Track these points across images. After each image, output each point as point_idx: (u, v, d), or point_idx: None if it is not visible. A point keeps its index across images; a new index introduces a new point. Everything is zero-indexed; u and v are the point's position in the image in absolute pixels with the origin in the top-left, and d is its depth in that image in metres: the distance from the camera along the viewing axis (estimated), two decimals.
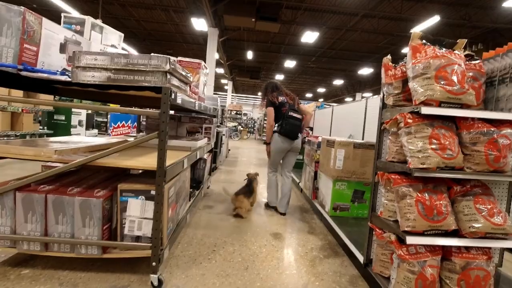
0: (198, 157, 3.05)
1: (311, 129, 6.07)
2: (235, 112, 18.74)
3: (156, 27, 13.25)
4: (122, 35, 2.95)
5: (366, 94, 19.92)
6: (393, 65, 1.87)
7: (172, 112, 4.31)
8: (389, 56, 1.91)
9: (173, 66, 1.84)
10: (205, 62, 3.29)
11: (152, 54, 2.02)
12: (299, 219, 3.51)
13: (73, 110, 5.72)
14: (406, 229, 1.58)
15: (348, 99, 23.21)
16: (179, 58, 3.16)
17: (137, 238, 1.91)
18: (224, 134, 6.93)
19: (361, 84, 20.19)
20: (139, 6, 11.19)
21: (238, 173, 6.30)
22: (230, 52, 15.73)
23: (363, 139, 3.52)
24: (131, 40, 14.86)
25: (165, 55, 1.83)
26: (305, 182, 4.33)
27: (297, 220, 3.46)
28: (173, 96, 1.85)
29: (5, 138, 4.58)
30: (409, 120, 1.60)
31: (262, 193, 4.66)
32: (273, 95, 3.59)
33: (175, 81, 2.00)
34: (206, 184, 4.32)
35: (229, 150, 9.65)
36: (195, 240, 2.67)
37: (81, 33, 2.45)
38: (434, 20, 9.19)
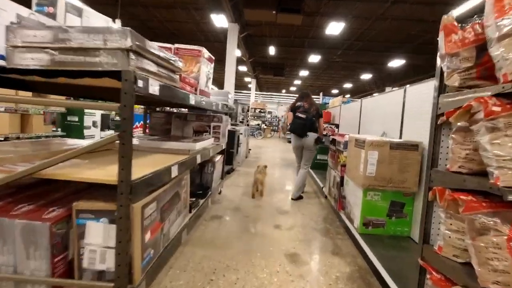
0: (199, 160, 2.55)
1: (337, 126, 5.38)
2: (258, 110, 18.21)
3: (178, 27, 13.04)
4: (110, 19, 2.50)
5: (377, 93, 18.51)
6: (459, 25, 1.22)
7: (188, 109, 3.83)
8: (452, 13, 1.26)
9: (139, 43, 1.33)
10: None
11: (109, 26, 1.53)
12: (322, 234, 2.90)
13: (86, 110, 5.48)
14: (491, 287, 0.95)
15: (376, 94, 21.82)
16: (176, 45, 2.67)
17: (101, 273, 1.43)
18: (241, 133, 6.42)
19: (391, 78, 18.82)
20: (160, 6, 10.99)
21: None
22: (252, 49, 15.22)
23: (400, 137, 2.83)
24: (156, 41, 14.78)
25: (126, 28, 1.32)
26: (329, 188, 3.70)
27: (319, 235, 2.86)
28: (140, 84, 1.33)
29: (14, 141, 4.37)
30: (495, 108, 0.97)
31: (279, 194, 4.09)
32: (294, 102, 4.28)
33: (148, 65, 1.49)
34: (217, 189, 3.82)
35: (250, 150, 9.14)
36: (191, 264, 2.17)
37: (54, 16, 2.02)
38: (475, 1, 8.05)
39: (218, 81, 11.50)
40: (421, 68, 15.70)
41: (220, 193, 4.14)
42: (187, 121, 3.51)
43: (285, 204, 3.94)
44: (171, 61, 1.78)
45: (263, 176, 4.33)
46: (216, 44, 14.87)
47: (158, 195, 1.73)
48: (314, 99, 4.48)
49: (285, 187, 4.95)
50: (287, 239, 2.73)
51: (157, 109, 4.08)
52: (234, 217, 3.28)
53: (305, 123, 3.93)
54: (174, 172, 1.93)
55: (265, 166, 4.38)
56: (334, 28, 10.68)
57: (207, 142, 2.91)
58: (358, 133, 4.16)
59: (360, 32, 12.09)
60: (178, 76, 1.96)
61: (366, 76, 18.96)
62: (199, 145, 2.58)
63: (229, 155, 5.74)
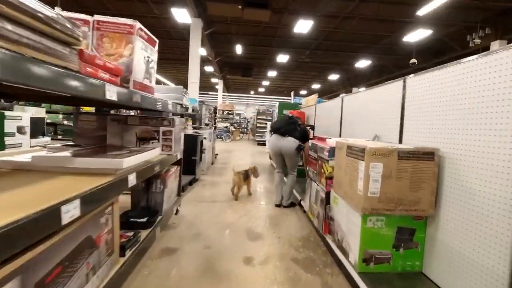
0: (134, 181, 1.75)
1: (312, 127, 4.79)
2: (226, 112, 17.40)
3: (140, 22, 11.85)
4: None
5: (363, 89, 18.68)
6: None
7: (139, 112, 2.99)
8: None
9: None
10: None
11: None
12: (306, 268, 2.22)
13: (7, 113, 4.37)
14: None
15: (362, 89, 21.94)
16: (96, 17, 1.85)
17: None
18: (205, 138, 5.62)
19: (357, 78, 18.95)
20: None
21: (226, 186, 4.99)
22: (218, 48, 14.40)
23: (400, 142, 2.23)
24: None
25: None
26: (310, 203, 3.04)
27: (302, 272, 2.17)
28: None
29: None
30: None
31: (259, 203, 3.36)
32: None
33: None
34: (172, 210, 3.01)
35: (217, 155, 8.32)
36: None
37: None
38: (440, 1, 7.98)
39: (184, 82, 10.57)
40: (386, 68, 15.88)
41: (177, 212, 3.32)
42: (127, 125, 2.67)
43: (258, 221, 3.22)
44: (60, 24, 0.98)
45: (239, 179, 4.22)
46: (179, 42, 13.85)
47: (31, 261, 0.93)
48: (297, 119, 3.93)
49: (257, 195, 4.24)
50: (261, 282, 2.01)
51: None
52: (192, 250, 2.49)
53: (288, 120, 3.75)
54: (73, 212, 1.13)
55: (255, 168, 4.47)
56: (302, 26, 10.23)
57: (149, 154, 2.11)
58: (340, 136, 3.56)
59: (328, 32, 11.78)
60: (76, 53, 1.16)
61: (334, 77, 18.94)
62: (133, 160, 1.77)
63: (190, 163, 4.92)
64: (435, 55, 12.45)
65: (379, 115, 2.59)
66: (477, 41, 9.42)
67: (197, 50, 10.13)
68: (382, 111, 2.52)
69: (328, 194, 2.44)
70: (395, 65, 15.16)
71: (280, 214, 3.58)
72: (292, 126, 3.70)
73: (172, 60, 17.58)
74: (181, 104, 2.98)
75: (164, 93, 2.82)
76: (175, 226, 3.00)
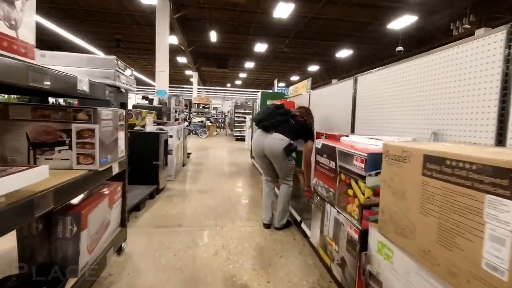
0: None
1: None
2: (202, 105, 16.06)
3: (93, 3, 10.19)
4: None
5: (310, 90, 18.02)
6: None
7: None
8: None
9: None
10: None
11: None
12: None
13: None
14: None
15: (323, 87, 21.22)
16: None
17: None
18: (171, 136, 4.42)
19: (337, 70, 18.24)
20: None
21: (199, 197, 3.84)
22: (191, 36, 12.98)
23: (501, 143, 1.23)
24: (68, 22, 11.63)
25: None
26: (322, 236, 1.98)
27: None
28: None
29: None
30: None
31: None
32: None
33: None
34: (110, 253, 1.85)
35: (190, 154, 7.11)
36: None
37: None
38: None
39: (153, 74, 9.16)
40: (366, 58, 15.22)
41: (120, 252, 2.16)
42: (9, 120, 1.48)
43: (242, 258, 2.15)
44: None
45: None
46: (146, 28, 12.27)
47: None
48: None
49: (238, 211, 3.17)
50: None
51: None
52: None
53: (274, 110, 2.74)
54: None
55: None
56: (283, 10, 9.15)
57: (16, 181, 0.94)
58: (352, 132, 2.54)
59: (309, 19, 10.78)
60: None
61: (313, 68, 18.11)
62: None
63: (151, 170, 3.73)
64: (418, 44, 11.86)
65: (440, 101, 1.58)
66: (467, 26, 8.78)
67: (166, 36, 8.78)
68: (449, 96, 1.51)
69: (364, 234, 1.40)
70: (376, 55, 14.53)
71: (272, 243, 2.52)
72: (281, 117, 2.67)
73: (141, 50, 15.89)
74: (114, 86, 1.81)
75: (80, 66, 1.66)
76: (111, 281, 1.85)
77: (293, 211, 2.81)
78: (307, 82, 4.14)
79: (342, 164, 1.62)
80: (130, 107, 4.92)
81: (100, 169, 1.62)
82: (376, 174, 1.38)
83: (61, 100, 9.28)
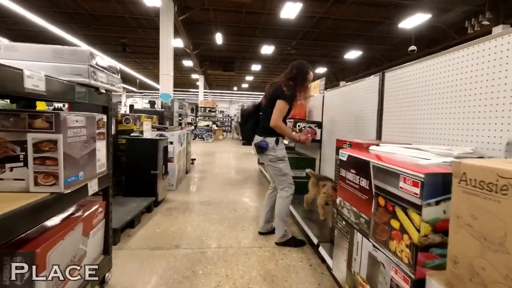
0: None
1: (318, 125, 3.35)
2: (208, 109, 15.76)
3: (98, 7, 9.99)
4: None
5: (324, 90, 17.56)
6: None
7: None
8: None
9: None
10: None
11: None
12: None
13: None
14: None
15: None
16: None
17: None
18: (172, 142, 4.05)
19: (344, 72, 17.77)
20: None
21: (202, 209, 3.46)
22: (197, 38, 12.72)
23: None
24: (73, 27, 11.48)
25: None
26: (351, 273, 1.56)
27: None
28: None
29: None
30: None
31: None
32: None
33: None
34: None
35: (194, 160, 6.75)
36: None
37: None
38: None
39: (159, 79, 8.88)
40: (375, 60, 14.73)
41: (103, 284, 1.78)
42: None
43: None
44: None
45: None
46: (152, 32, 12.06)
47: None
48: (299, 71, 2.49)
49: (245, 228, 2.76)
50: None
51: None
52: None
53: (250, 115, 2.64)
54: None
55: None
56: (290, 10, 8.79)
57: None
58: (378, 138, 2.13)
59: (317, 19, 10.40)
60: None
61: (320, 70, 17.67)
62: None
63: (148, 181, 3.37)
64: (429, 44, 11.34)
65: None
66: (485, 22, 8.26)
67: (169, 37, 8.49)
68: None
69: (419, 286, 0.99)
70: (385, 56, 14.03)
71: (285, 271, 2.10)
72: (255, 115, 2.61)
73: (147, 54, 15.72)
74: (89, 86, 1.44)
75: (45, 60, 1.30)
76: None
77: (308, 231, 2.40)
78: (320, 82, 3.74)
79: (379, 184, 1.22)
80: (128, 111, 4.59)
81: (67, 191, 1.25)
82: (437, 203, 0.97)
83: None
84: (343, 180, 1.58)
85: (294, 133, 2.55)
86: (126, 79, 20.85)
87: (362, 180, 1.37)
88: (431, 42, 11.24)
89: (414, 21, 9.23)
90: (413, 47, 9.74)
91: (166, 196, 3.83)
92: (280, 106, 2.33)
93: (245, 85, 25.42)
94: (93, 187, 1.53)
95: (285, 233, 2.48)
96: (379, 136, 2.11)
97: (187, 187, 4.52)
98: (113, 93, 1.84)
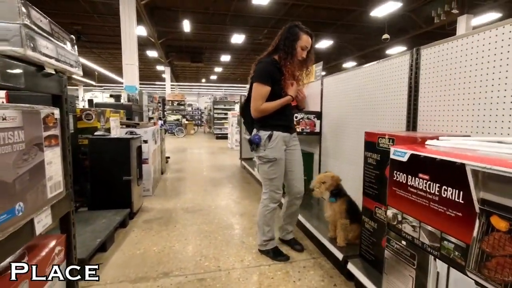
0: None
1: (317, 116, 2.96)
2: (177, 102, 14.83)
3: None
4: None
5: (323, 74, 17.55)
6: None
7: None
8: None
9: None
10: None
11: None
12: None
13: None
14: None
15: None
16: None
17: None
18: (146, 141, 3.44)
19: (315, 62, 17.69)
20: None
21: (187, 218, 2.93)
22: (162, 26, 11.70)
23: None
24: None
25: None
26: None
27: None
28: None
29: None
30: None
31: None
32: None
33: None
34: None
35: (168, 158, 6.09)
36: None
37: None
38: None
39: (121, 70, 7.93)
40: (345, 50, 14.78)
41: None
42: None
43: None
44: None
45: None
46: (110, 18, 10.86)
47: None
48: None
49: (244, 239, 2.29)
50: None
51: None
52: None
53: (247, 106, 2.09)
54: None
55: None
56: None
57: None
58: (411, 129, 1.77)
59: (291, 4, 9.98)
60: None
61: None
62: None
63: (121, 189, 2.76)
64: (399, 33, 11.50)
65: None
66: (455, 11, 8.43)
67: (132, 23, 7.60)
68: None
69: None
70: (356, 45, 14.10)
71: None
72: (250, 90, 2.04)
73: (105, 43, 14.28)
74: (24, 61, 0.87)
75: None
76: None
77: (328, 245, 2.00)
78: (316, 68, 3.33)
79: (494, 198, 0.83)
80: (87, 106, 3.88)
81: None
82: None
83: None
84: (401, 187, 1.18)
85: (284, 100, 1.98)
86: (83, 71, 18.99)
87: (447, 190, 0.98)
88: (400, 31, 11.40)
89: (386, 9, 9.20)
90: (386, 36, 9.76)
91: (143, 205, 3.24)
92: (256, 90, 1.92)
93: (214, 77, 24.50)
94: (43, 221, 0.98)
95: (263, 243, 2.14)
96: (412, 126, 1.75)
97: (165, 191, 3.93)
98: (69, 78, 1.27)
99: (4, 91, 3.36)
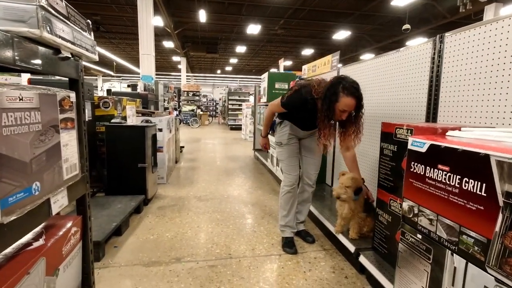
0: None
1: None
2: (192, 93, 14.92)
3: None
4: None
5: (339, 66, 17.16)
6: None
7: None
8: None
9: None
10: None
11: None
12: None
13: None
14: None
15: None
16: None
17: None
18: (161, 129, 3.48)
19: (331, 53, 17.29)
20: None
21: (199, 206, 2.97)
22: (178, 16, 11.73)
23: None
24: None
25: None
26: None
27: None
28: None
29: None
30: None
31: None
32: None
33: None
34: None
35: (182, 147, 6.17)
36: None
37: None
38: None
39: (138, 61, 8.04)
40: (362, 41, 14.33)
41: None
42: None
43: None
44: None
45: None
46: (128, 9, 10.97)
47: None
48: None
49: (256, 229, 2.31)
50: None
51: None
52: None
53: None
54: None
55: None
56: None
57: None
58: (429, 120, 1.69)
59: None
60: None
61: (307, 52, 17.12)
62: None
63: (136, 176, 2.82)
64: (419, 24, 11.02)
65: None
66: None
67: (149, 13, 7.63)
68: None
69: None
70: (374, 36, 13.65)
71: (317, 286, 1.69)
72: None
73: (123, 33, 14.46)
74: (40, 43, 0.88)
75: None
76: None
77: (340, 237, 1.97)
78: (332, 58, 3.25)
79: None
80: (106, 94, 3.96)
81: (9, 219, 0.73)
82: None
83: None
84: (419, 178, 1.14)
85: (265, 132, 2.31)
86: (102, 62, 19.37)
87: (469, 182, 0.93)
88: (422, 21, 10.93)
89: None
90: (407, 26, 9.37)
91: (157, 192, 3.30)
92: (276, 103, 2.08)
93: (229, 68, 24.45)
94: (59, 201, 1.00)
95: (280, 228, 2.19)
96: (433, 118, 1.67)
97: (179, 180, 3.99)
98: (88, 68, 1.29)
99: (26, 78, 3.46)
